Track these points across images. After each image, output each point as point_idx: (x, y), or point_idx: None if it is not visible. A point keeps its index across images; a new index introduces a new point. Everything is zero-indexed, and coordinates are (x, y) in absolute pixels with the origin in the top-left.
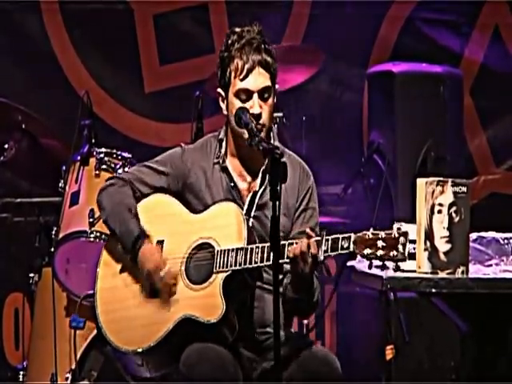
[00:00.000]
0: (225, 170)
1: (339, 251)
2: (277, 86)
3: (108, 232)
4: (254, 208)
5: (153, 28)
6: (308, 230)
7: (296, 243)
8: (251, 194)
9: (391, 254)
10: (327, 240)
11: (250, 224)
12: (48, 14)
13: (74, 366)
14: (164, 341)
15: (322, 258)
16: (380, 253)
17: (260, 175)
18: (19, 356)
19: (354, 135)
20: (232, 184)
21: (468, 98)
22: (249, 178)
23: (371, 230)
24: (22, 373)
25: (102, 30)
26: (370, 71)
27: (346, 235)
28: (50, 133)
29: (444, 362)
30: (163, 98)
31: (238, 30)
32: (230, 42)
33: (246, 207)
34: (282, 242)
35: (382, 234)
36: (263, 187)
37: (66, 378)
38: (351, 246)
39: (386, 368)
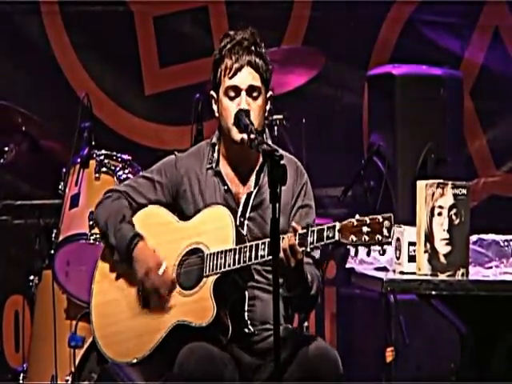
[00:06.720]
0: (218, 174)
1: (325, 241)
2: (271, 93)
3: None
4: (249, 209)
5: (153, 30)
6: (294, 224)
7: (283, 238)
8: (245, 195)
9: (376, 238)
10: (313, 232)
11: (245, 226)
12: (48, 16)
13: (73, 369)
14: (159, 349)
15: (308, 249)
16: (365, 238)
17: (254, 176)
18: (19, 358)
19: (354, 137)
20: (225, 187)
21: (468, 99)
22: (240, 181)
23: (356, 216)
24: (22, 375)
25: (102, 32)
26: (370, 73)
27: (331, 224)
28: (50, 135)
29: (444, 364)
30: (163, 100)
31: (231, 32)
32: (222, 44)
33: (240, 209)
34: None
35: (367, 219)
36: (257, 188)
37: (66, 381)
38: (336, 234)
39: (386, 370)
